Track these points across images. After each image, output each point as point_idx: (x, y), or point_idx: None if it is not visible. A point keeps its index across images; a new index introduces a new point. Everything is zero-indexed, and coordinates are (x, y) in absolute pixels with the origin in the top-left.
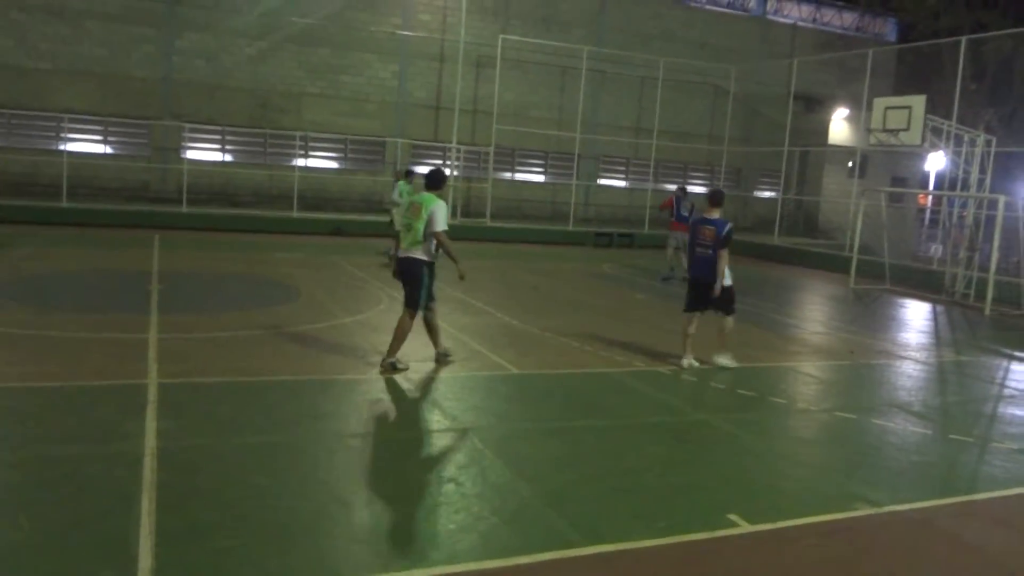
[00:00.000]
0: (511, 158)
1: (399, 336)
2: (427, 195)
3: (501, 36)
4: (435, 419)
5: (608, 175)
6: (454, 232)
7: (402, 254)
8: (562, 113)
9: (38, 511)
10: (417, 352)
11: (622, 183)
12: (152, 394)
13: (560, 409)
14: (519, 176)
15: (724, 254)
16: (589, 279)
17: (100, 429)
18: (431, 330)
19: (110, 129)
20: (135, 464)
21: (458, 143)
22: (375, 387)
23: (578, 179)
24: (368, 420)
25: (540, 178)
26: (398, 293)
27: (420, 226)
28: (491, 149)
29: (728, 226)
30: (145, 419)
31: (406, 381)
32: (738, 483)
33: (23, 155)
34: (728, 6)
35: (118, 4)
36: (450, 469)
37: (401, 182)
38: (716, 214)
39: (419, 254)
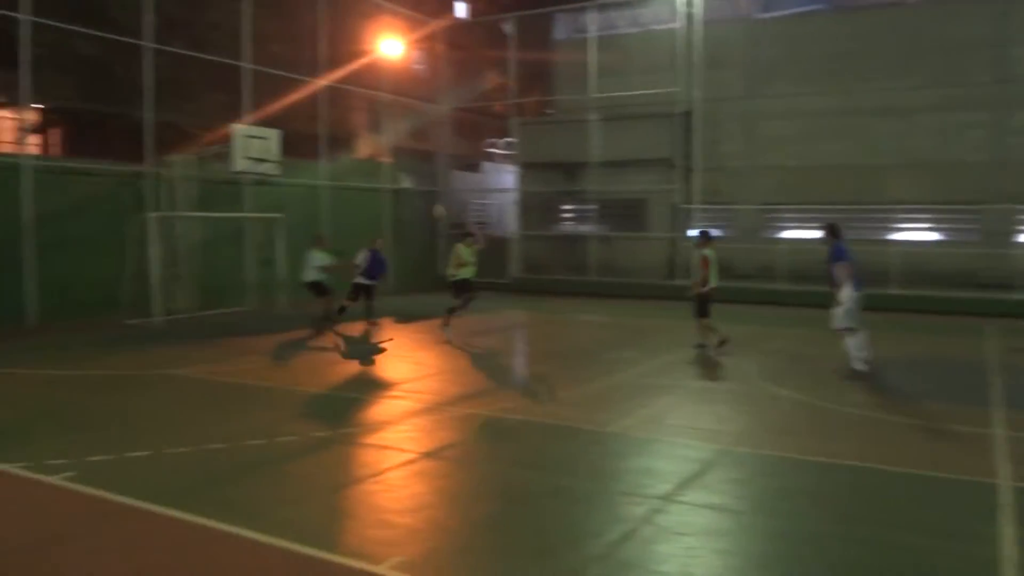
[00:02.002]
0: None
1: None
2: None
3: None
4: None
5: None
6: None
7: None
8: None
9: None
10: None
11: None
12: (1005, 496)
13: None
14: None
15: None
16: None
17: (944, 523)
18: None
19: (939, 216)
20: (990, 570)
21: None
22: None
23: None
24: None
25: None
26: None
27: None
28: None
29: None
30: (996, 523)
31: None
32: None
33: (856, 245)
34: None
35: (944, 95)
36: None
37: None
38: None
39: None
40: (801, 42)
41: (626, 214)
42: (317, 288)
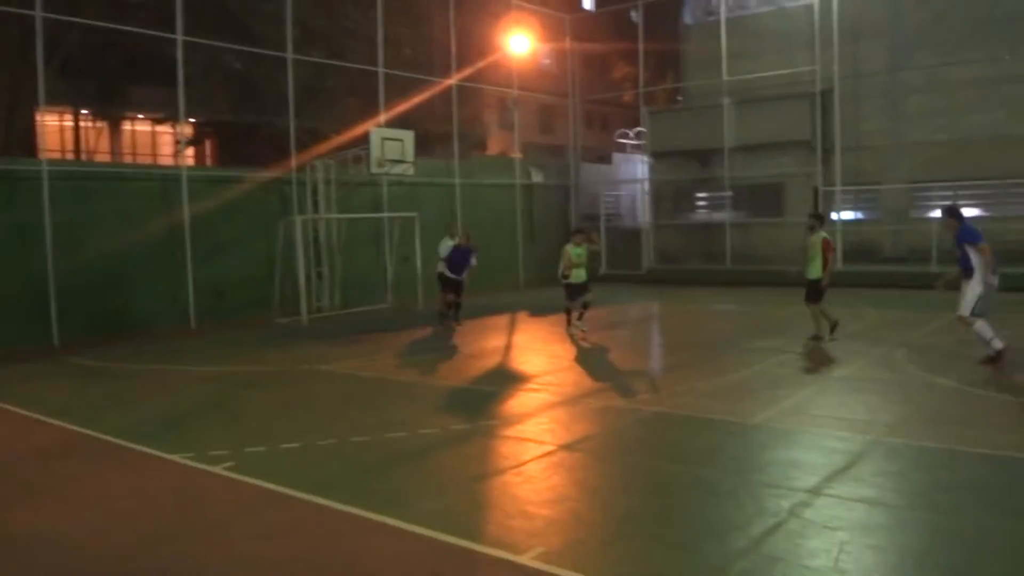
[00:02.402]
0: None
1: None
2: None
3: None
4: None
5: None
6: None
7: None
8: None
9: None
10: None
11: None
12: None
13: None
14: None
15: None
16: None
17: None
18: None
19: None
20: None
21: None
22: None
23: None
24: None
25: None
26: None
27: None
28: None
29: None
30: None
31: None
32: None
33: (1013, 224)
34: None
35: None
36: None
37: None
38: None
39: None
40: (948, 7)
41: (763, 199)
42: (442, 280)
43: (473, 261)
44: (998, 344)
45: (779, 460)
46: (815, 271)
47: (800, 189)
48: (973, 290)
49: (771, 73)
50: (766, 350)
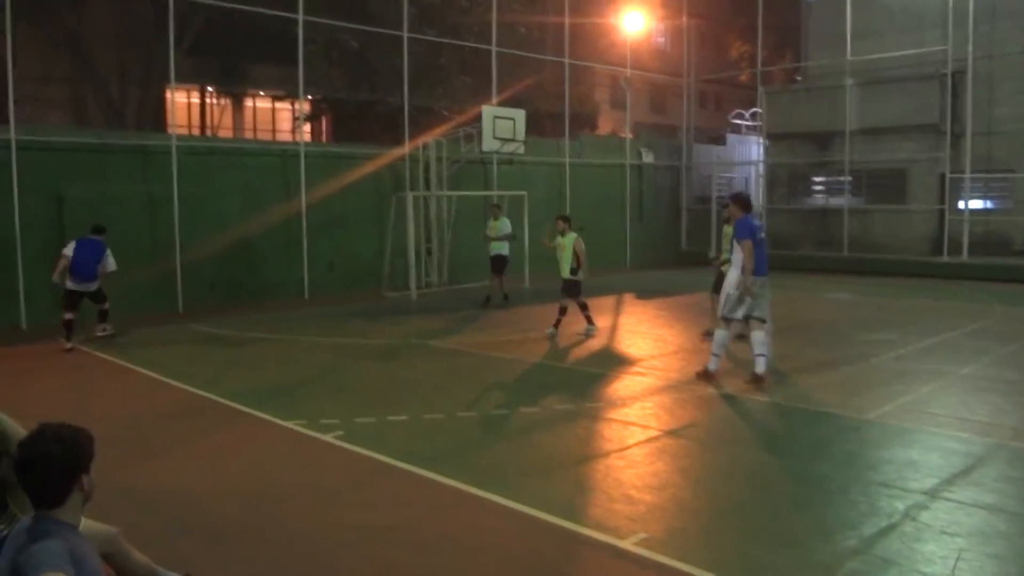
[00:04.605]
0: None
1: None
2: None
3: None
4: None
5: None
6: None
7: None
8: None
9: None
10: None
11: None
12: None
13: None
14: None
15: None
16: None
17: None
18: None
19: None
20: None
21: None
22: None
23: None
24: None
25: None
26: None
27: None
28: None
29: None
30: None
31: None
32: None
33: None
34: None
35: None
36: None
37: None
38: None
39: None
40: None
41: (884, 185)
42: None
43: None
44: (760, 367)
45: (894, 459)
46: None
47: (924, 175)
48: (726, 289)
49: (899, 53)
50: (883, 343)
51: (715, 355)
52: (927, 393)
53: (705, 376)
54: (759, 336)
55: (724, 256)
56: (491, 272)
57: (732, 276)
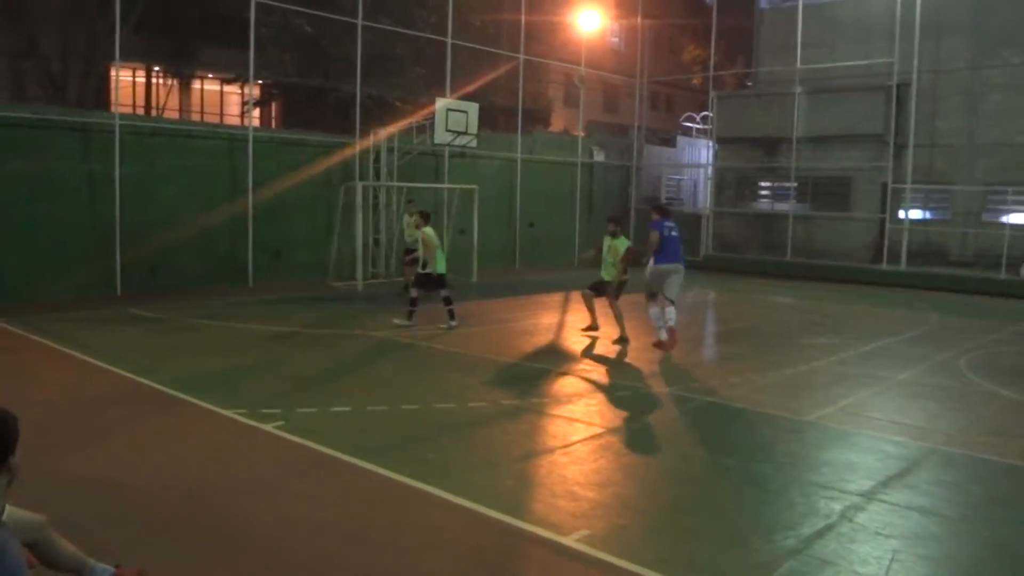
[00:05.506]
0: None
1: None
2: None
3: None
4: None
5: None
6: None
7: None
8: None
9: None
10: None
11: None
12: None
13: None
14: None
15: None
16: None
17: None
18: None
19: None
20: None
21: None
22: None
23: None
24: None
25: None
26: None
27: None
28: None
29: None
30: None
31: None
32: None
33: None
34: None
35: None
36: None
37: None
38: None
39: None
40: None
41: (829, 192)
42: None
43: None
44: (662, 335)
45: (833, 461)
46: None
47: (867, 184)
48: (644, 276)
49: (847, 63)
50: (824, 347)
51: (659, 327)
52: (866, 397)
53: (660, 345)
54: (665, 311)
55: (609, 270)
56: (405, 265)
57: (650, 266)
